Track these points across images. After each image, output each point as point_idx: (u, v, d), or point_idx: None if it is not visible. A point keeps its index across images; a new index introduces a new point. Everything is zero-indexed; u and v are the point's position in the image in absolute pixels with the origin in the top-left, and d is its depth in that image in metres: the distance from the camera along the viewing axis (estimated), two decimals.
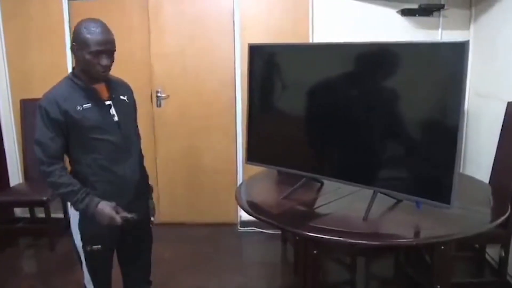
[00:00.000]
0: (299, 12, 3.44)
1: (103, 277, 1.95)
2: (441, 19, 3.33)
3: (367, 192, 2.03)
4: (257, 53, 2.45)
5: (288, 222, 2.03)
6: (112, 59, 1.77)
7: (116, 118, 1.82)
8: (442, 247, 2.01)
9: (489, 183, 2.61)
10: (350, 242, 2.02)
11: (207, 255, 3.31)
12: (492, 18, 3.03)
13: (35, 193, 3.40)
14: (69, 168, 1.84)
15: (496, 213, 2.06)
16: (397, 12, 3.34)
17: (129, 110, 1.91)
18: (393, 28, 3.35)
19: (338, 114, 2.15)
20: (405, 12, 3.30)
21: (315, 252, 2.10)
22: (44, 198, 3.29)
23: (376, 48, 2.06)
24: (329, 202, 2.20)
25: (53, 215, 3.42)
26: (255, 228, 3.65)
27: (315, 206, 2.25)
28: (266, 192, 2.56)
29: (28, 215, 3.85)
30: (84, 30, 1.70)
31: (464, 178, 2.63)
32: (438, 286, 2.06)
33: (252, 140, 2.49)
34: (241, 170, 3.72)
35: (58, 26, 3.61)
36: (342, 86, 2.18)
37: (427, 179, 1.89)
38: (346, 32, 3.35)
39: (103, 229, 1.82)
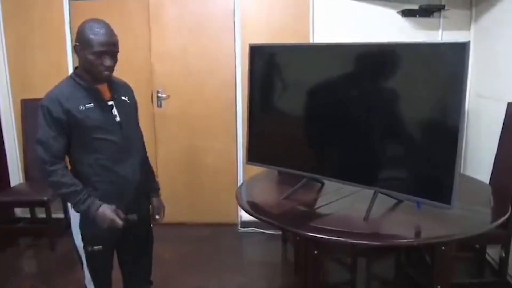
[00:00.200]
0: (299, 12, 3.44)
1: (104, 277, 1.95)
2: (441, 19, 3.33)
3: (368, 192, 2.03)
4: (257, 53, 2.45)
5: (288, 222, 2.03)
6: (115, 60, 1.77)
7: (118, 119, 1.82)
8: (443, 248, 2.02)
9: (489, 183, 2.62)
10: (351, 242, 2.03)
11: (208, 255, 3.31)
12: (492, 19, 3.03)
13: (36, 193, 3.40)
14: (69, 168, 1.84)
15: (496, 214, 2.06)
16: (398, 12, 3.34)
17: (130, 110, 1.92)
18: (394, 29, 3.35)
19: (339, 115, 2.16)
20: (406, 13, 3.31)
21: (315, 252, 2.10)
22: (45, 198, 3.29)
23: (377, 49, 2.06)
24: (330, 203, 2.20)
25: (53, 215, 3.42)
26: (256, 229, 3.65)
27: (316, 206, 2.25)
28: (267, 193, 2.56)
29: (28, 215, 3.85)
30: (88, 30, 1.70)
31: (464, 179, 2.62)
32: (439, 287, 2.06)
33: (252, 140, 2.49)
34: (242, 170, 3.72)
35: (59, 26, 3.61)
36: (343, 86, 2.18)
37: (428, 180, 1.89)
38: (347, 33, 3.35)
39: (104, 229, 1.82)
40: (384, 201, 2.07)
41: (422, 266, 2.78)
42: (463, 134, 1.74)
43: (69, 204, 1.82)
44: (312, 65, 2.25)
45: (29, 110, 3.65)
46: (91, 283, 1.90)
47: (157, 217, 2.10)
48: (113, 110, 1.82)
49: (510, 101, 2.63)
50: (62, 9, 3.60)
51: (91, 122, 1.74)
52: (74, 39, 1.77)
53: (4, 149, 3.80)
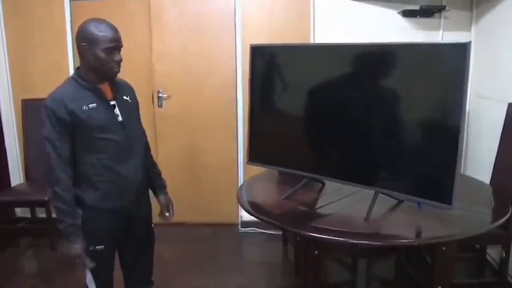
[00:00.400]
0: (300, 12, 3.44)
1: (105, 277, 1.95)
2: (442, 20, 3.34)
3: (368, 192, 2.03)
4: (258, 53, 2.45)
5: (289, 223, 2.03)
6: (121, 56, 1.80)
7: (120, 118, 1.82)
8: (443, 248, 2.02)
9: (489, 183, 2.62)
10: (351, 242, 2.03)
11: (208, 255, 3.31)
12: (493, 19, 3.04)
13: (36, 193, 3.40)
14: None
15: (497, 214, 2.06)
16: (398, 13, 3.34)
17: (132, 110, 1.92)
18: (394, 29, 3.36)
19: (340, 115, 2.16)
20: (406, 13, 3.31)
21: (316, 252, 2.10)
22: (45, 198, 3.29)
23: (378, 49, 2.06)
24: (330, 203, 2.20)
25: (54, 215, 3.41)
26: (256, 229, 3.66)
27: (317, 206, 2.26)
28: (267, 193, 2.57)
29: (29, 215, 3.85)
30: (95, 29, 1.71)
31: (464, 179, 2.63)
32: (439, 287, 2.06)
33: (253, 140, 2.49)
34: (242, 170, 3.72)
35: (59, 26, 3.62)
36: (344, 86, 2.18)
37: (428, 180, 1.89)
38: (347, 33, 3.35)
39: (106, 229, 1.83)
40: (384, 201, 2.07)
41: (422, 266, 2.78)
42: (463, 134, 1.74)
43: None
44: (313, 65, 2.25)
45: (29, 110, 3.65)
46: (92, 283, 1.90)
47: (166, 214, 2.10)
48: (115, 110, 1.82)
49: (510, 101, 2.63)
50: (62, 9, 3.61)
51: (94, 122, 1.74)
52: (76, 41, 1.75)
53: (5, 149, 3.81)
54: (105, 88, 1.82)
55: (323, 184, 2.43)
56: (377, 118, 2.03)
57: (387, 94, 2.01)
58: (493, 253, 2.87)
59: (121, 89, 1.89)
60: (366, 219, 1.95)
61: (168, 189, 3.86)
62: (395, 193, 2.05)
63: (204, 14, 3.57)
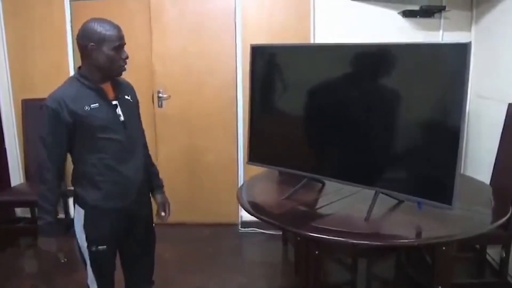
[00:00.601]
0: (300, 12, 3.45)
1: (107, 277, 1.95)
2: (442, 20, 3.34)
3: (369, 192, 2.04)
4: (259, 53, 2.45)
5: (290, 223, 2.04)
6: None
7: (122, 118, 1.82)
8: (443, 248, 2.02)
9: (489, 184, 2.62)
10: (352, 242, 2.03)
11: (208, 256, 3.31)
12: (493, 19, 3.04)
13: (36, 193, 3.39)
14: (71, 168, 1.86)
15: (497, 214, 2.06)
16: (399, 13, 3.34)
17: (133, 109, 1.92)
18: (394, 30, 3.36)
19: (340, 115, 2.16)
20: (407, 14, 3.31)
21: (316, 252, 2.10)
22: None
23: (378, 49, 2.06)
24: (331, 203, 2.21)
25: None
26: (256, 229, 3.66)
27: (317, 206, 2.26)
28: (268, 193, 2.57)
29: (29, 215, 3.85)
30: (101, 28, 1.71)
31: (464, 179, 2.63)
32: (439, 287, 2.06)
33: (253, 140, 2.49)
34: (242, 170, 3.72)
35: (60, 27, 3.62)
36: (344, 86, 2.18)
37: (429, 180, 1.90)
38: (348, 33, 3.36)
39: (107, 229, 1.84)
40: (385, 202, 2.08)
41: (422, 266, 2.78)
42: (464, 134, 1.75)
43: (71, 204, 1.83)
44: (313, 65, 2.25)
45: (29, 110, 3.65)
46: (94, 283, 1.91)
47: (162, 214, 2.10)
48: (117, 110, 1.82)
49: (510, 101, 2.63)
50: (63, 9, 3.61)
51: (96, 122, 1.74)
52: (80, 42, 1.75)
53: (5, 149, 3.81)
54: (107, 88, 1.82)
55: (323, 184, 2.43)
56: (377, 118, 2.03)
57: (387, 94, 2.01)
58: (493, 253, 2.87)
59: (123, 88, 1.89)
60: (367, 219, 1.95)
61: (168, 189, 3.85)
62: (395, 193, 2.05)
63: (204, 14, 3.57)
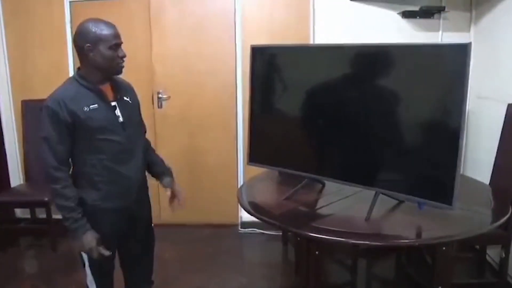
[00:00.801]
0: (300, 13, 3.45)
1: (106, 277, 1.96)
2: (441, 21, 3.34)
3: (369, 193, 2.04)
4: (259, 54, 2.45)
5: (290, 223, 2.04)
6: None
7: (121, 119, 1.83)
8: (444, 248, 2.02)
9: (489, 184, 2.62)
10: (352, 242, 2.04)
11: (208, 256, 3.31)
12: (492, 20, 3.04)
13: (36, 193, 3.40)
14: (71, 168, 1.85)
15: (496, 214, 2.07)
16: (398, 14, 3.35)
17: (132, 110, 1.92)
18: (394, 30, 3.37)
19: (340, 115, 2.16)
20: (406, 14, 3.32)
21: (317, 253, 2.10)
22: (45, 199, 3.29)
23: (378, 50, 2.06)
24: (331, 203, 2.21)
25: (54, 216, 3.41)
26: (256, 229, 3.66)
27: (317, 207, 2.26)
28: (268, 193, 2.57)
29: (28, 216, 3.85)
30: (96, 28, 1.73)
31: (464, 179, 2.63)
32: (439, 287, 2.07)
33: (253, 141, 2.49)
34: (242, 171, 3.73)
35: (59, 27, 3.62)
36: (344, 87, 2.18)
37: (429, 180, 1.90)
38: (347, 34, 3.36)
39: (107, 229, 1.83)
40: (385, 202, 2.08)
41: (422, 267, 2.79)
42: (463, 135, 1.75)
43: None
44: (313, 66, 2.25)
45: (29, 110, 3.65)
46: (93, 283, 1.91)
47: (176, 201, 2.10)
48: (116, 111, 1.83)
49: (510, 102, 2.64)
50: (62, 10, 3.61)
51: (95, 122, 1.75)
52: (77, 43, 1.76)
53: (5, 150, 3.80)
54: (106, 88, 1.83)
55: (323, 184, 2.43)
56: (377, 119, 2.04)
57: (387, 95, 2.01)
58: (493, 253, 2.87)
59: (122, 90, 1.90)
60: (367, 219, 1.95)
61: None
62: (396, 194, 2.05)
63: (204, 14, 3.58)
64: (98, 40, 1.72)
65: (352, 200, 2.21)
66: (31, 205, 3.72)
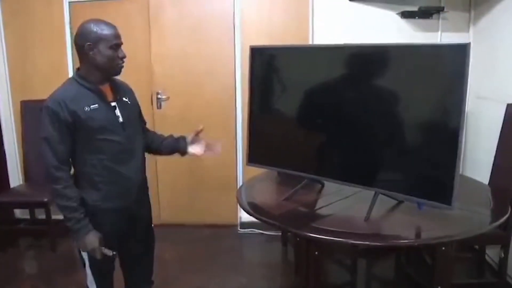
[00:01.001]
0: (299, 14, 3.45)
1: (106, 278, 1.96)
2: (440, 21, 3.35)
3: (368, 193, 2.04)
4: (258, 55, 2.45)
5: (290, 223, 2.04)
6: None
7: (121, 119, 1.83)
8: (443, 248, 2.02)
9: (488, 184, 2.63)
10: (352, 243, 2.04)
11: (208, 256, 3.32)
12: (491, 20, 3.05)
13: (35, 194, 3.40)
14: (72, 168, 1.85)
15: (496, 214, 2.07)
16: (397, 14, 3.35)
17: (131, 111, 1.93)
18: (393, 31, 3.37)
19: (339, 116, 2.16)
20: (405, 15, 3.32)
21: (316, 253, 2.10)
22: (45, 200, 3.29)
23: (377, 50, 2.06)
24: (331, 203, 2.21)
25: (53, 217, 3.41)
26: (255, 230, 3.67)
27: (317, 207, 2.26)
28: (267, 194, 2.57)
29: (28, 216, 3.85)
30: (97, 28, 1.73)
31: (463, 179, 2.63)
32: (439, 287, 2.07)
33: (253, 141, 2.49)
34: (241, 171, 3.73)
35: (59, 28, 3.62)
36: (343, 87, 2.18)
37: (428, 180, 1.90)
38: (346, 34, 3.36)
39: (107, 230, 1.84)
40: (384, 202, 2.08)
41: (422, 267, 2.79)
42: (463, 135, 1.75)
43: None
44: (312, 66, 2.25)
45: (28, 111, 3.65)
46: (93, 283, 1.91)
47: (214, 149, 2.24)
48: (116, 111, 1.83)
49: (509, 102, 2.64)
50: (62, 10, 3.61)
51: (95, 123, 1.75)
52: (78, 42, 1.76)
53: (4, 150, 3.81)
54: (106, 89, 1.83)
55: (323, 184, 2.43)
56: (376, 119, 2.04)
57: (387, 95, 2.01)
58: (492, 253, 2.88)
59: (121, 90, 1.91)
60: (366, 219, 1.95)
61: (168, 190, 3.88)
62: (395, 194, 2.05)
63: (203, 15, 3.58)
64: (98, 39, 1.73)
65: (351, 200, 2.21)
66: (30, 206, 3.72)
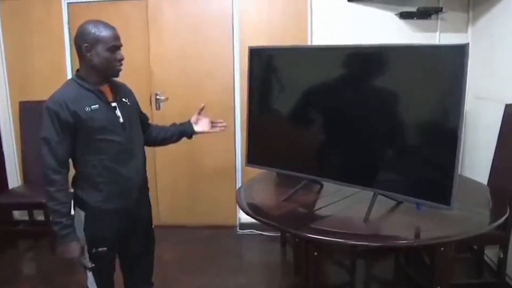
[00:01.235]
0: (297, 15, 3.45)
1: (107, 279, 1.96)
2: (439, 22, 3.35)
3: (367, 194, 2.04)
4: (256, 55, 2.45)
5: (289, 224, 2.04)
6: None
7: (121, 120, 1.83)
8: (442, 248, 2.03)
9: (487, 184, 2.63)
10: (351, 243, 2.04)
11: (207, 257, 3.32)
12: (490, 21, 3.05)
13: (34, 195, 3.39)
14: (72, 169, 1.85)
15: (495, 215, 2.07)
16: (396, 15, 3.36)
17: (131, 112, 1.92)
18: (392, 31, 3.37)
19: (338, 116, 2.16)
20: (404, 15, 3.32)
21: (315, 254, 2.10)
22: (43, 201, 3.24)
23: (376, 51, 2.06)
24: (330, 204, 2.21)
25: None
26: (254, 231, 3.66)
27: (316, 208, 2.26)
28: (266, 194, 2.57)
29: (26, 218, 3.84)
30: (95, 29, 1.73)
31: (462, 180, 2.63)
32: (438, 287, 2.07)
33: (252, 142, 2.50)
34: (240, 172, 3.73)
35: (57, 29, 3.62)
36: (342, 88, 2.18)
37: (427, 181, 1.90)
38: (345, 35, 3.37)
39: (109, 230, 1.84)
40: (383, 203, 2.08)
41: (421, 267, 2.79)
42: (462, 135, 1.76)
43: (71, 207, 1.82)
44: (312, 67, 2.26)
45: (27, 112, 3.64)
46: (94, 284, 1.91)
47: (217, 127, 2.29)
48: (116, 111, 1.83)
49: (507, 102, 2.65)
50: (60, 11, 3.61)
51: (96, 123, 1.75)
52: (76, 43, 1.76)
53: (2, 151, 3.80)
54: (106, 89, 1.83)
55: (322, 185, 2.43)
56: (375, 120, 2.04)
57: (385, 96, 2.01)
58: (491, 253, 2.88)
59: (121, 91, 1.91)
60: (365, 220, 1.95)
61: (167, 192, 3.88)
62: (394, 194, 2.05)
63: (201, 16, 3.57)
64: (96, 40, 1.72)
65: (350, 201, 2.21)
66: (29, 207, 3.72)
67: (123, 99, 1.89)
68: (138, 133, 1.98)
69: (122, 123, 1.83)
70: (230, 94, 3.64)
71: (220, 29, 3.57)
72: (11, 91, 3.76)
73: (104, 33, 1.73)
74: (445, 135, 1.79)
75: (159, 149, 3.69)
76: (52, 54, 3.65)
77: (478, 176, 2.75)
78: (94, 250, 1.84)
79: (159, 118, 3.69)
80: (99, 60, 1.74)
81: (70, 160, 1.82)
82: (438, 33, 3.37)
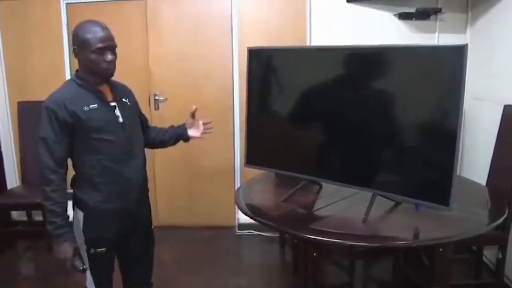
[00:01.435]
0: (296, 15, 3.45)
1: (106, 280, 1.95)
2: (438, 22, 3.36)
3: (366, 194, 2.04)
4: (255, 56, 2.45)
5: (288, 225, 2.04)
6: (115, 55, 1.79)
7: (121, 119, 1.83)
8: (441, 249, 2.03)
9: (486, 185, 2.63)
10: (350, 244, 2.04)
11: (206, 258, 3.31)
12: (488, 21, 3.06)
13: (32, 196, 3.38)
14: (72, 169, 1.85)
15: (493, 215, 2.07)
16: (395, 15, 3.36)
17: (131, 112, 1.92)
18: (391, 32, 3.37)
19: (337, 117, 2.16)
20: (403, 16, 3.32)
21: (314, 254, 2.10)
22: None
23: (375, 51, 2.07)
24: (329, 205, 2.21)
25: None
26: (253, 231, 3.66)
27: (315, 208, 2.25)
28: (265, 195, 2.57)
29: (25, 218, 3.84)
30: (84, 31, 1.72)
31: (461, 180, 2.64)
32: None
33: (251, 143, 2.50)
34: (239, 173, 3.73)
35: (56, 29, 3.62)
36: (340, 89, 2.19)
37: (426, 182, 1.90)
38: (344, 36, 3.37)
39: (108, 231, 1.84)
40: (382, 203, 2.08)
41: (420, 268, 2.79)
42: (460, 136, 1.76)
43: (70, 207, 1.82)
44: (310, 67, 2.26)
45: (26, 112, 3.63)
46: (93, 285, 1.90)
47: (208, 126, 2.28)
48: (116, 111, 1.83)
49: (506, 103, 2.65)
50: (59, 12, 3.61)
51: (95, 123, 1.75)
52: (71, 44, 1.78)
53: (1, 152, 3.79)
54: (105, 89, 1.83)
55: (321, 186, 2.43)
56: (374, 120, 2.04)
57: (384, 97, 2.01)
58: (490, 254, 2.88)
59: (120, 92, 1.91)
60: (364, 221, 1.95)
61: (165, 192, 3.87)
62: (393, 195, 2.05)
63: (200, 16, 3.57)
64: (83, 42, 1.72)
65: (349, 201, 2.22)
66: (27, 208, 3.71)
67: (123, 99, 1.89)
68: (138, 134, 1.98)
69: (121, 123, 1.83)
70: (229, 95, 3.63)
71: (219, 29, 3.57)
72: (9, 91, 3.75)
73: (91, 35, 1.71)
74: (444, 135, 1.79)
75: (158, 150, 3.69)
76: (51, 54, 3.65)
77: (477, 176, 2.76)
78: (93, 251, 1.83)
79: (158, 118, 3.70)
80: (86, 62, 1.75)
81: (69, 161, 1.82)
82: (437, 33, 3.37)
